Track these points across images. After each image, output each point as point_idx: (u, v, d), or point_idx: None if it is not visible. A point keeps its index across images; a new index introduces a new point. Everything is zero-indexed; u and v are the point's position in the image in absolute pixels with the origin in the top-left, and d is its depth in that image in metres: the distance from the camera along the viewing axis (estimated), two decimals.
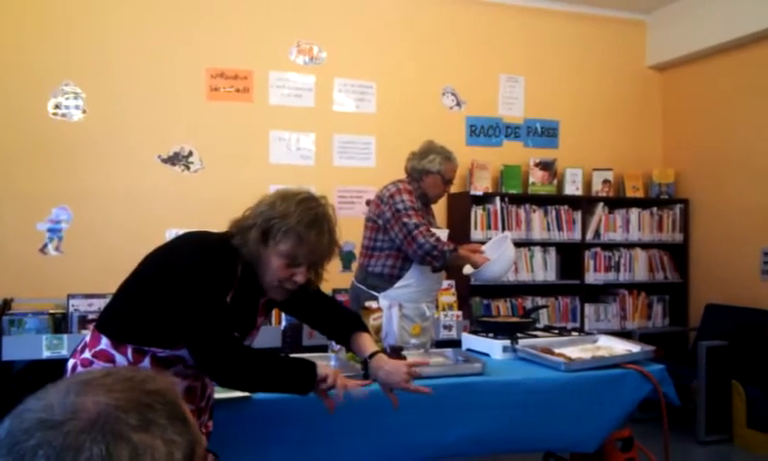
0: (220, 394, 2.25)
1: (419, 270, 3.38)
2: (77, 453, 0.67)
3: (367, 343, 2.19)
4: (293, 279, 1.91)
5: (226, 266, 1.88)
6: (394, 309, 3.24)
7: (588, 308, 5.52)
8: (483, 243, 3.68)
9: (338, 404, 1.95)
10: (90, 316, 4.17)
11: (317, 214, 1.89)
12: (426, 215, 3.52)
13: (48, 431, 0.69)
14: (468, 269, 3.44)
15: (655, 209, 5.79)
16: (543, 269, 5.42)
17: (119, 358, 1.90)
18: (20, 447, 0.68)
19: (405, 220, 3.28)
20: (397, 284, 3.39)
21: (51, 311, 4.24)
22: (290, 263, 1.88)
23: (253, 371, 1.84)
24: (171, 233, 4.68)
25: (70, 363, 1.97)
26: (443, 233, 3.50)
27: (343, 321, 2.25)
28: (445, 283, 4.80)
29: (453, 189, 5.39)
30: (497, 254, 3.35)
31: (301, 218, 1.86)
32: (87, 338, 1.97)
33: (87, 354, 1.92)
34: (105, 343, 1.91)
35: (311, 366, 1.91)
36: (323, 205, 1.93)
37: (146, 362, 1.90)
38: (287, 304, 2.14)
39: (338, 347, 2.77)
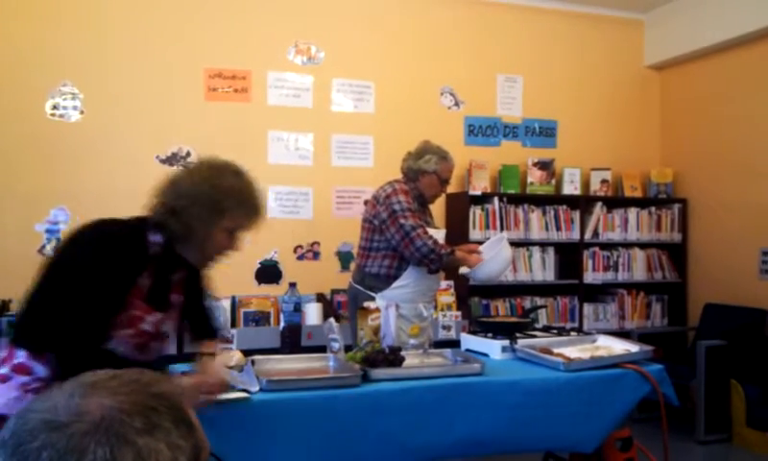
0: (220, 395, 2.25)
1: (416, 270, 3.37)
2: (81, 456, 0.67)
3: (205, 348, 2.22)
4: (232, 248, 1.96)
5: (124, 252, 1.86)
6: (390, 310, 3.23)
7: (587, 308, 5.52)
8: (481, 243, 3.66)
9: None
10: None
11: (251, 184, 1.96)
12: (423, 216, 3.52)
13: (52, 433, 0.69)
14: (464, 269, 3.45)
15: (653, 209, 5.80)
16: (542, 269, 5.42)
17: (38, 369, 1.82)
18: (24, 448, 0.68)
19: (402, 221, 3.27)
20: (394, 285, 3.39)
21: None
22: (232, 235, 1.93)
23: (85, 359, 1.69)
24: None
25: None
26: (440, 234, 3.50)
27: (204, 327, 2.29)
28: (444, 284, 4.80)
29: (451, 189, 5.38)
30: (493, 254, 3.36)
31: (246, 191, 1.92)
32: (2, 353, 1.87)
33: (5, 370, 1.83)
34: (22, 356, 1.83)
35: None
36: (246, 172, 1.98)
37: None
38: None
39: (337, 347, 2.78)
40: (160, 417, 0.73)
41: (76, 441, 0.68)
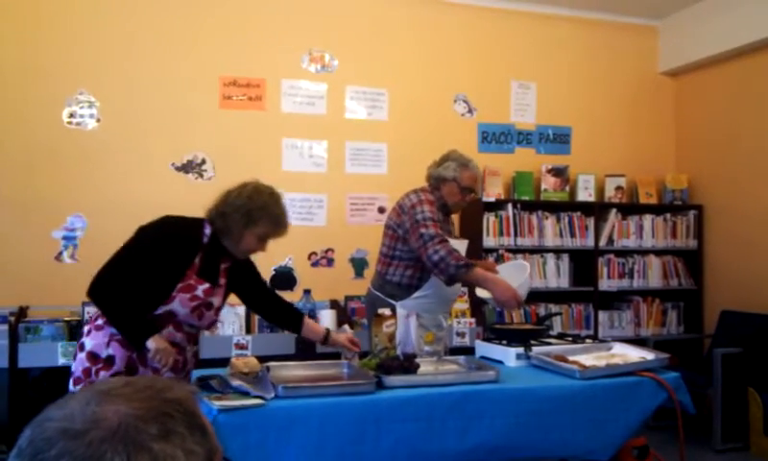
0: (232, 402, 2.26)
1: (437, 281, 3.29)
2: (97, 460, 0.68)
3: (316, 325, 2.98)
4: (259, 249, 2.62)
5: (182, 238, 2.56)
6: (412, 319, 3.21)
7: (602, 315, 5.49)
8: (494, 252, 3.65)
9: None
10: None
11: (281, 205, 2.63)
12: (446, 225, 3.47)
13: (70, 441, 0.69)
14: (483, 293, 3.31)
15: (668, 215, 5.76)
16: (556, 276, 5.40)
17: None
18: (42, 456, 0.68)
19: (422, 230, 3.21)
20: (416, 294, 3.34)
21: (66, 319, 4.27)
22: (262, 240, 2.59)
23: (113, 305, 2.43)
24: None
25: (86, 328, 2.50)
26: (461, 244, 3.46)
27: (287, 310, 2.90)
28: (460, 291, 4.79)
29: None
30: (516, 285, 3.19)
31: (275, 209, 2.59)
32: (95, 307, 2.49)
33: (100, 321, 2.46)
34: None
35: (147, 334, 2.40)
36: (281, 196, 2.67)
37: None
38: (240, 290, 2.78)
39: (351, 354, 2.80)
40: (175, 423, 0.74)
41: (94, 449, 0.68)
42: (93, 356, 2.42)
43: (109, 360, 2.42)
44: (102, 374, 2.40)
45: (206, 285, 2.52)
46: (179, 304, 2.45)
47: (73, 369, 2.47)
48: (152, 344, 2.37)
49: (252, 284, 2.84)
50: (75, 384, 2.43)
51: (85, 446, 0.69)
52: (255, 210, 2.53)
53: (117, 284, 2.42)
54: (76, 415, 0.72)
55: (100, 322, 2.46)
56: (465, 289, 4.95)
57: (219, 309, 2.64)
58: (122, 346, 2.43)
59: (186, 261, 2.51)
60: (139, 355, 2.45)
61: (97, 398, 0.74)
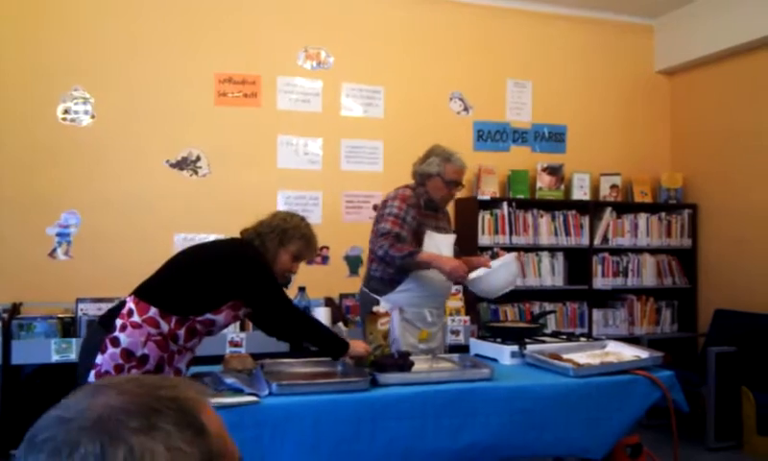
0: (226, 399, 2.26)
1: (417, 275, 3.34)
2: (72, 449, 0.69)
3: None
4: (293, 270, 2.81)
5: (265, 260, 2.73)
6: (395, 313, 3.23)
7: (596, 314, 5.50)
8: (489, 249, 3.66)
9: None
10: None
11: (311, 228, 2.84)
12: (437, 221, 3.49)
13: (57, 426, 0.72)
14: (471, 275, 3.38)
15: (663, 214, 5.77)
16: (551, 274, 5.41)
17: (163, 325, 2.47)
18: (34, 439, 0.72)
19: (380, 226, 3.31)
20: (398, 288, 3.36)
21: (60, 315, 4.26)
22: (296, 259, 2.79)
23: (308, 330, 2.72)
24: (179, 238, 4.70)
25: (119, 322, 2.47)
26: (447, 239, 3.48)
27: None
28: (453, 288, 4.79)
29: (460, 194, 5.38)
30: (494, 268, 3.32)
31: (307, 230, 2.80)
32: (132, 305, 2.49)
33: (137, 319, 2.46)
34: (153, 311, 2.47)
35: (344, 344, 2.70)
36: (309, 223, 2.87)
37: (182, 330, 2.51)
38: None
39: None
40: (162, 418, 0.73)
41: (72, 435, 0.70)
42: (128, 354, 2.43)
43: (143, 359, 2.45)
44: (134, 371, 2.42)
45: (247, 309, 2.69)
46: (223, 317, 2.60)
47: (99, 361, 2.42)
48: (354, 351, 2.69)
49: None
50: (99, 379, 2.39)
51: (65, 432, 0.71)
52: (290, 229, 2.74)
53: (295, 312, 2.70)
54: (71, 405, 0.74)
55: (137, 319, 2.47)
56: (459, 287, 4.95)
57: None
58: (158, 346, 2.47)
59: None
60: (168, 356, 2.51)
61: (93, 389, 0.75)
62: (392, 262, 3.25)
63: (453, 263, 3.23)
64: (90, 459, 0.69)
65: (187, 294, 2.54)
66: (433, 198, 3.47)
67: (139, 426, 0.71)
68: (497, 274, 3.31)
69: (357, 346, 2.72)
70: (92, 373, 2.41)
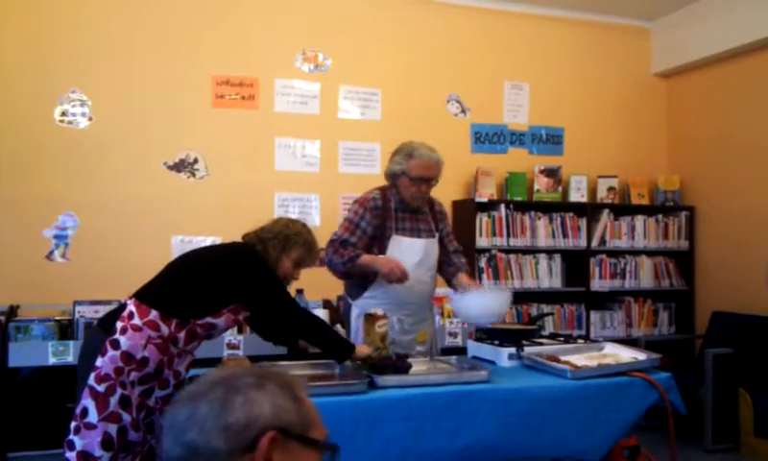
0: None
1: (381, 283, 3.18)
2: (204, 396, 0.99)
3: None
4: (294, 276, 2.84)
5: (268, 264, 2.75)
6: (360, 319, 3.18)
7: (594, 316, 5.51)
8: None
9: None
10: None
11: (313, 235, 2.87)
12: (415, 223, 3.30)
13: (195, 384, 1.02)
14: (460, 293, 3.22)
15: (660, 216, 5.78)
16: (549, 276, 5.42)
17: (164, 328, 2.47)
18: (179, 395, 1.03)
19: (336, 231, 3.24)
20: (365, 294, 3.25)
21: (57, 318, 4.25)
22: (297, 266, 2.81)
23: (314, 331, 2.73)
24: (177, 240, 4.70)
25: (119, 325, 2.46)
26: (417, 243, 3.25)
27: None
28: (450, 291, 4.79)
29: (458, 196, 5.41)
30: (486, 292, 3.16)
31: (309, 237, 2.84)
32: (132, 308, 2.49)
33: (138, 321, 2.45)
34: (154, 315, 2.47)
35: (350, 346, 2.75)
36: (311, 229, 2.89)
37: (182, 334, 2.51)
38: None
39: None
40: (269, 382, 1.02)
41: (204, 387, 1.00)
42: (128, 356, 2.41)
43: (143, 362, 2.43)
44: (133, 374, 2.41)
45: (246, 313, 2.71)
46: (223, 321, 2.61)
47: (99, 364, 2.39)
48: (360, 353, 2.72)
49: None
50: (100, 382, 2.37)
51: (197, 384, 1.02)
52: (293, 236, 2.77)
53: (304, 314, 2.73)
54: (214, 371, 1.06)
55: (138, 322, 2.46)
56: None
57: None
58: (158, 349, 2.46)
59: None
60: (168, 359, 2.49)
61: (220, 367, 1.10)
62: (336, 269, 3.18)
63: (391, 264, 3.09)
64: (216, 403, 0.97)
65: (188, 297, 2.54)
66: (404, 198, 3.28)
67: (252, 383, 1.00)
68: (487, 299, 3.11)
69: (362, 349, 2.74)
70: (92, 375, 2.39)
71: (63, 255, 4.55)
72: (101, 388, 2.36)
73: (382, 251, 3.21)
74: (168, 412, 1.01)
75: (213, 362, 2.93)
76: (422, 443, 2.44)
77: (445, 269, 3.43)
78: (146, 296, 2.53)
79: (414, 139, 3.36)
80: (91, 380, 2.38)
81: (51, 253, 4.53)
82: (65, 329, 4.22)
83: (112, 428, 2.36)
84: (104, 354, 2.41)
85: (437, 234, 3.37)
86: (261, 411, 0.97)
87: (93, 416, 2.35)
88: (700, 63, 5.68)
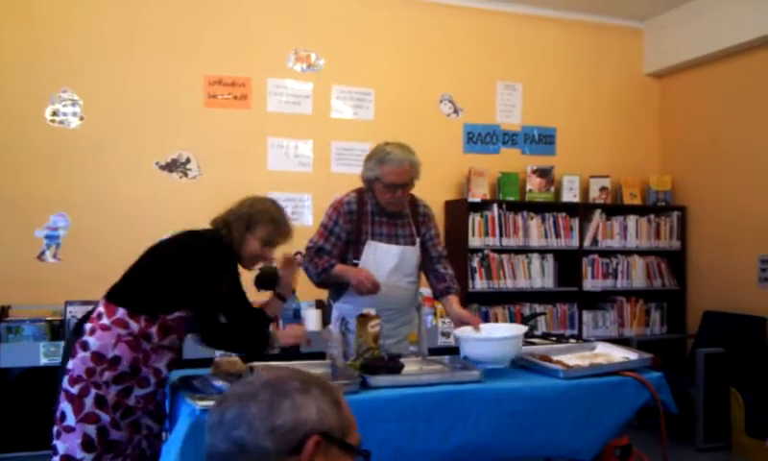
0: (210, 402, 2.24)
1: (352, 292, 3.13)
2: (252, 397, 1.05)
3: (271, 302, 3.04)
4: (265, 256, 2.73)
5: (226, 254, 2.65)
6: (338, 322, 3.16)
7: (586, 315, 5.52)
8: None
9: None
10: None
11: (283, 211, 2.76)
12: (393, 228, 3.20)
13: (243, 385, 1.10)
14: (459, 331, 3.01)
15: (652, 217, 5.80)
16: (541, 276, 5.43)
17: (133, 325, 2.44)
18: (226, 393, 1.12)
19: (313, 236, 3.21)
20: (342, 299, 3.22)
21: (48, 318, 4.24)
22: (267, 244, 2.70)
23: (234, 342, 2.69)
24: None
25: (88, 326, 2.44)
26: (393, 250, 3.16)
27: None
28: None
29: (450, 196, 5.42)
30: (491, 336, 2.90)
31: (276, 213, 2.70)
32: (101, 308, 2.47)
33: (106, 321, 2.43)
34: (121, 312, 2.44)
35: (268, 342, 2.68)
36: (282, 206, 2.79)
37: (153, 329, 2.47)
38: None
39: (336, 352, 2.79)
40: (313, 386, 1.08)
41: (250, 388, 1.07)
42: (99, 357, 2.38)
43: (115, 361, 2.40)
44: (106, 374, 2.38)
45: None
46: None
47: (70, 367, 2.39)
48: (284, 341, 2.69)
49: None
50: (73, 384, 2.36)
51: (244, 386, 1.09)
52: (256, 214, 2.65)
53: (222, 321, 2.65)
54: (256, 375, 1.14)
55: (106, 321, 2.43)
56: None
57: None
58: (130, 347, 2.42)
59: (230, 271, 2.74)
60: (144, 357, 2.45)
61: (266, 369, 1.20)
62: (311, 278, 3.16)
63: (360, 275, 3.01)
64: (264, 404, 1.04)
65: (152, 292, 2.50)
66: (380, 203, 3.16)
67: (298, 388, 1.07)
68: (500, 346, 2.82)
69: (285, 335, 2.74)
70: (65, 378, 2.38)
71: (55, 256, 4.53)
72: (74, 390, 2.35)
73: (357, 256, 3.14)
74: (214, 410, 1.07)
75: (206, 362, 2.91)
76: (415, 443, 2.44)
77: (432, 281, 3.27)
78: (113, 294, 2.51)
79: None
80: (65, 384, 2.37)
81: (42, 253, 4.51)
82: (57, 330, 4.20)
83: (91, 429, 2.34)
84: (74, 356, 2.40)
85: (418, 240, 3.24)
86: (308, 416, 1.04)
87: (71, 418, 2.34)
88: (692, 64, 5.70)
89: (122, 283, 2.56)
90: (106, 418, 2.37)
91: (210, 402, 2.23)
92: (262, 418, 1.02)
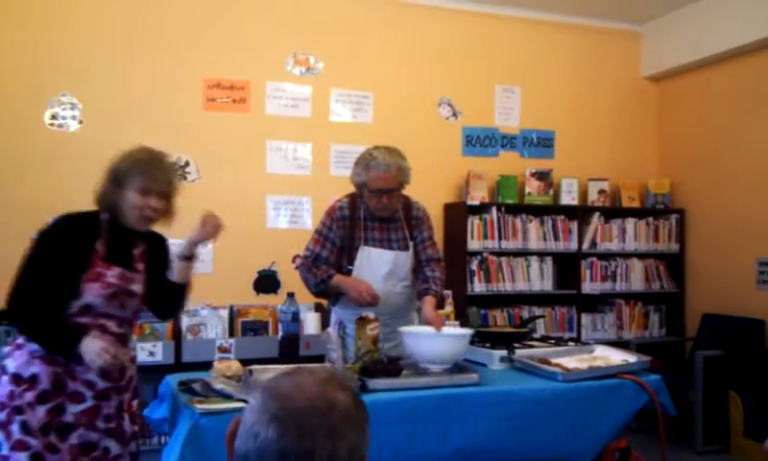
0: (215, 405, 2.25)
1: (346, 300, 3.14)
2: (305, 425, 1.10)
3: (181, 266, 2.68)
4: (149, 206, 2.38)
5: (76, 228, 2.40)
6: (336, 326, 3.16)
7: (585, 318, 5.53)
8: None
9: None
10: None
11: (152, 153, 2.49)
12: (386, 233, 3.17)
13: (296, 413, 1.13)
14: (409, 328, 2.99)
15: (651, 219, 5.81)
16: (540, 279, 5.43)
17: None
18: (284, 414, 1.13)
19: (309, 243, 3.19)
20: (340, 303, 3.21)
21: None
22: (146, 194, 2.37)
23: (31, 322, 2.28)
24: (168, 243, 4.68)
25: (6, 350, 2.33)
26: (386, 255, 3.13)
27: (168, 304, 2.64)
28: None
29: (449, 199, 5.42)
30: (435, 341, 2.81)
31: (142, 157, 2.44)
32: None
33: (19, 339, 2.29)
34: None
35: (75, 340, 2.21)
36: (157, 150, 2.54)
37: None
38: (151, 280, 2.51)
39: (335, 355, 2.78)
40: (358, 411, 1.18)
41: (304, 415, 1.11)
42: (17, 378, 2.22)
43: (33, 379, 2.22)
44: (28, 395, 2.20)
45: (118, 270, 2.35)
46: (91, 295, 2.29)
47: None
48: (86, 346, 2.17)
49: (160, 275, 2.58)
50: (0, 411, 2.20)
51: (297, 412, 1.12)
52: (116, 168, 2.42)
53: (29, 299, 2.29)
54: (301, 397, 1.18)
55: (20, 340, 2.28)
56: (449, 291, 4.96)
57: (143, 297, 2.46)
58: (45, 362, 2.23)
59: (86, 250, 2.35)
60: (66, 370, 2.25)
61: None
62: (309, 288, 3.13)
63: (360, 287, 2.97)
64: (320, 432, 1.08)
65: (36, 299, 2.29)
66: (370, 208, 3.13)
67: (347, 418, 1.14)
68: (439, 344, 2.77)
69: (92, 342, 2.21)
70: None
71: None
72: (2, 417, 2.20)
73: (351, 262, 3.12)
74: (274, 431, 1.09)
75: (205, 366, 2.91)
76: (413, 446, 2.44)
77: (417, 283, 3.22)
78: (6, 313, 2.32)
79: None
80: None
81: None
82: None
83: (23, 457, 2.16)
84: None
85: (411, 244, 3.20)
86: (358, 442, 1.13)
87: (5, 447, 2.18)
88: (690, 67, 5.71)
89: (11, 296, 2.33)
90: (35, 443, 2.18)
91: (211, 406, 2.23)
92: (321, 447, 1.08)
